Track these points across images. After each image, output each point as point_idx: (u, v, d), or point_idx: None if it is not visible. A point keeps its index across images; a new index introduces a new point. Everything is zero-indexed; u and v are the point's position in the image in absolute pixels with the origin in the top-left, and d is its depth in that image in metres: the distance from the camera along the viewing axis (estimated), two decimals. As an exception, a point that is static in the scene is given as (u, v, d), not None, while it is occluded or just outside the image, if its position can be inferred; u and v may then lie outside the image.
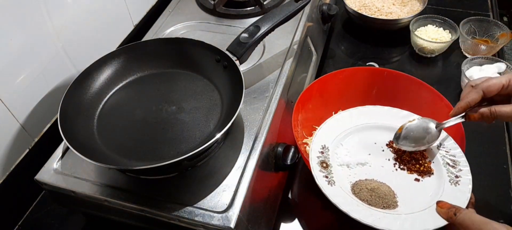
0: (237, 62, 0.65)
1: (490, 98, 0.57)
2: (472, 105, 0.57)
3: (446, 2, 1.16)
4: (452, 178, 0.58)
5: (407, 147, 0.63)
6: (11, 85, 0.67)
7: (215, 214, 0.54)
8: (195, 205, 0.55)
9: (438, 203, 0.53)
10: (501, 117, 0.56)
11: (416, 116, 0.66)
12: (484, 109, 0.57)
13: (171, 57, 0.71)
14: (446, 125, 0.60)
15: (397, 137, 0.63)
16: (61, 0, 0.73)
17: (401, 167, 0.63)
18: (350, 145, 0.67)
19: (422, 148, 0.62)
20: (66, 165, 0.62)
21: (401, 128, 0.63)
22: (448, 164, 0.60)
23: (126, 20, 0.93)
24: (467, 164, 0.59)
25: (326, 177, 0.59)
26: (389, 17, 1.05)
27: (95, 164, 0.53)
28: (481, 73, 0.86)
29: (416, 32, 0.99)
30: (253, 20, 0.72)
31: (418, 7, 1.07)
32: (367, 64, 0.99)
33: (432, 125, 0.61)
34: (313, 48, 0.91)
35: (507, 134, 0.82)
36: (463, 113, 0.59)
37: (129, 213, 0.58)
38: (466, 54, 0.99)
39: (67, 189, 0.59)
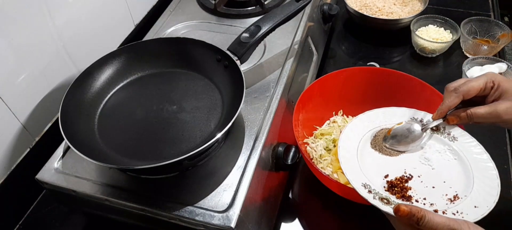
0: (238, 62, 0.65)
1: (469, 99, 0.59)
2: (452, 108, 0.61)
3: (447, 2, 1.16)
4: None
5: (394, 146, 0.64)
6: (12, 85, 0.67)
7: (216, 214, 0.54)
8: (196, 205, 0.55)
9: (396, 212, 0.49)
10: (477, 118, 0.58)
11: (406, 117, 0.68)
12: (462, 113, 0.60)
13: (172, 57, 0.71)
14: (430, 126, 0.64)
15: (385, 138, 0.65)
16: (62, 0, 0.73)
17: None
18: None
19: (409, 147, 0.64)
20: (67, 164, 0.62)
21: (390, 131, 0.66)
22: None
23: (127, 20, 0.93)
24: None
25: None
26: (390, 17, 1.05)
27: (96, 163, 0.53)
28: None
29: (417, 32, 0.99)
30: (254, 20, 0.72)
31: (419, 7, 1.07)
32: (368, 64, 0.99)
33: (417, 127, 0.65)
34: (313, 48, 0.90)
35: (508, 134, 0.81)
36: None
37: (129, 213, 0.58)
38: (467, 54, 0.99)
39: (68, 188, 0.59)
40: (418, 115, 0.67)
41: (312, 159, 0.75)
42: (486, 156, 0.60)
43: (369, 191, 0.55)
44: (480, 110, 0.58)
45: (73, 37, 0.77)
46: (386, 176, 0.59)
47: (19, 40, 0.66)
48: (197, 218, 0.54)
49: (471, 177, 0.59)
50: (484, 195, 0.55)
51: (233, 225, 0.53)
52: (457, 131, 0.64)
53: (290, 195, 0.75)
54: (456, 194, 0.56)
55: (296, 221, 0.71)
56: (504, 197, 0.70)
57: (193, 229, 0.56)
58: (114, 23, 0.89)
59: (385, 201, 0.54)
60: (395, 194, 0.57)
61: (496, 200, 0.54)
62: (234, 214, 0.54)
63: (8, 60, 0.65)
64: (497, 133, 0.81)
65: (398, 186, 0.58)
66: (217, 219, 0.53)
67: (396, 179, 0.59)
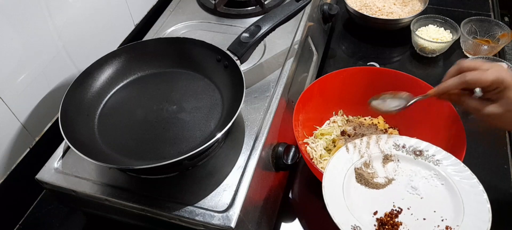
0: (237, 62, 0.65)
1: None
2: (450, 91, 0.59)
3: (447, 2, 1.16)
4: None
5: (378, 105, 0.67)
6: (12, 85, 0.67)
7: (216, 214, 0.54)
8: (196, 205, 0.55)
9: None
10: (465, 107, 0.58)
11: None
12: (455, 96, 0.59)
13: (172, 56, 0.71)
14: (418, 98, 0.65)
15: (371, 101, 0.68)
16: (62, 0, 0.73)
17: None
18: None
19: (393, 103, 0.66)
20: (66, 164, 0.62)
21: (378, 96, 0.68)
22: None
23: (127, 20, 0.93)
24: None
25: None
26: (390, 17, 1.05)
27: (96, 163, 0.53)
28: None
29: (417, 32, 0.99)
30: (254, 19, 0.72)
31: (419, 7, 1.07)
32: (368, 64, 0.99)
33: (402, 94, 0.67)
34: (313, 48, 0.91)
35: (508, 134, 0.81)
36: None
37: (129, 213, 0.58)
38: (467, 54, 0.99)
39: (67, 188, 0.59)
40: (401, 141, 0.66)
41: (312, 159, 0.75)
42: (475, 179, 0.58)
43: None
44: (471, 103, 0.57)
45: (73, 37, 0.77)
46: (375, 213, 0.57)
47: (19, 40, 0.66)
48: (197, 218, 0.54)
49: (460, 203, 0.57)
50: (476, 222, 0.54)
51: (233, 225, 0.53)
52: (441, 154, 0.62)
53: (290, 195, 0.75)
54: (448, 225, 0.55)
55: (296, 221, 0.71)
56: (505, 196, 0.71)
57: (193, 229, 0.56)
58: (114, 23, 0.89)
59: None
60: None
61: (489, 227, 0.52)
62: (234, 214, 0.54)
63: (8, 60, 0.65)
64: (497, 133, 0.81)
65: (388, 223, 0.56)
66: (217, 219, 0.53)
67: (385, 215, 0.57)
